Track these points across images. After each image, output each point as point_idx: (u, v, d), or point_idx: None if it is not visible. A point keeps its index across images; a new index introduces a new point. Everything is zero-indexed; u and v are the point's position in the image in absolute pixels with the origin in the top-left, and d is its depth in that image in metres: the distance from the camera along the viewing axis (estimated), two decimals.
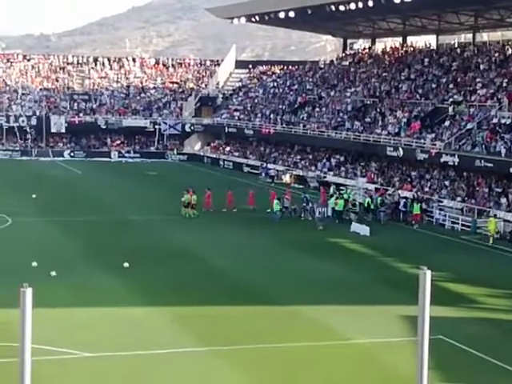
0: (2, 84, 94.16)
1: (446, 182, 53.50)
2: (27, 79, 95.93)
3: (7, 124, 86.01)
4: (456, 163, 51.97)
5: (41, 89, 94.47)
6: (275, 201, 47.19)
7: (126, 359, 21.32)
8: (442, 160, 53.23)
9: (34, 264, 31.43)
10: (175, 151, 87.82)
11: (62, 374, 20.30)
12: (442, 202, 50.24)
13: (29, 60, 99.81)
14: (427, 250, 38.87)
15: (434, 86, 65.73)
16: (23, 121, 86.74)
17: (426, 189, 53.94)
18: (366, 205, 48.54)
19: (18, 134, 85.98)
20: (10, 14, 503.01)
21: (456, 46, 74.19)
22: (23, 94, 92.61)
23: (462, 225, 45.71)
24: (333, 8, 67.51)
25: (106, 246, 37.54)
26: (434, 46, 77.29)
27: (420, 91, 66.25)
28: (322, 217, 45.85)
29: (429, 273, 8.54)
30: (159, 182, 55.16)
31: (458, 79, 64.14)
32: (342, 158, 67.31)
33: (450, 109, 58.74)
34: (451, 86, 63.70)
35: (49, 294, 25.83)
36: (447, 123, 57.70)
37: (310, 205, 47.68)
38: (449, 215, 47.41)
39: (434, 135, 57.05)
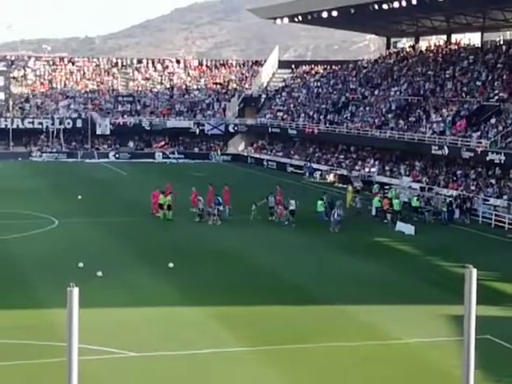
0: (47, 87, 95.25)
1: (492, 181, 52.95)
2: (73, 82, 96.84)
3: (52, 126, 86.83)
4: (502, 161, 51.42)
5: (86, 91, 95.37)
6: (319, 201, 46.33)
7: (171, 359, 21.42)
8: (487, 158, 52.71)
9: (81, 265, 31.73)
10: (219, 152, 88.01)
11: (109, 374, 20.46)
12: (488, 200, 49.70)
13: (74, 63, 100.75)
14: (473, 249, 38.46)
15: (479, 83, 65.09)
16: (69, 123, 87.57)
17: (472, 187, 53.43)
18: (412, 204, 48.21)
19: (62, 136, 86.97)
20: (55, 18, 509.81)
21: (501, 42, 73.44)
22: (68, 97, 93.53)
23: (509, 223, 45.11)
24: (376, 7, 67.18)
25: (151, 246, 37.74)
26: (478, 43, 76.55)
27: (465, 89, 65.64)
28: (339, 219, 42.81)
29: (474, 271, 8.47)
30: (204, 182, 55.26)
31: (504, 76, 63.47)
32: (386, 157, 66.92)
33: None
34: (497, 83, 63.04)
35: (95, 295, 26.06)
36: (493, 121, 57.10)
37: (221, 208, 44.90)
38: (495, 214, 46.80)
39: (479, 133, 56.48)
